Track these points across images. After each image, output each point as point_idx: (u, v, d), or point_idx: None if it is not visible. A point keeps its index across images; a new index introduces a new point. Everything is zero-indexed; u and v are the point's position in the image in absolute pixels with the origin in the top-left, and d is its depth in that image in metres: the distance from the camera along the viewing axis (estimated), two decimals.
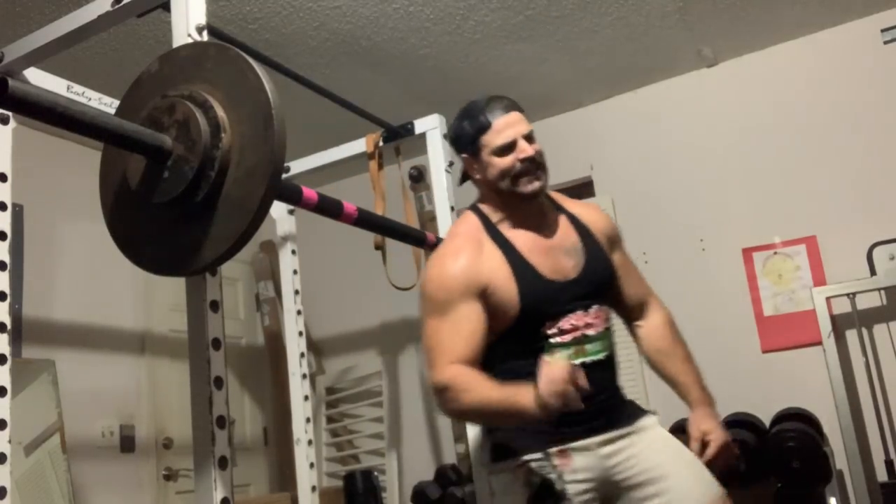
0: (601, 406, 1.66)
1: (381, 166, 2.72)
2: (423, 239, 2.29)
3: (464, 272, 1.64)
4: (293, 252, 2.97)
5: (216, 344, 1.36)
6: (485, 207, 1.77)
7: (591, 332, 1.69)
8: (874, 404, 2.96)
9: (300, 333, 2.89)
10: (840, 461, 2.88)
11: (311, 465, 2.77)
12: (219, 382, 1.34)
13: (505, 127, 1.69)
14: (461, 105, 1.80)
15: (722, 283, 3.33)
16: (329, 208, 1.96)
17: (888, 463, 2.84)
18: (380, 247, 2.57)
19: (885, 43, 3.18)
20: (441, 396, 1.60)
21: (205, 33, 1.53)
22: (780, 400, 3.06)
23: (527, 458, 1.62)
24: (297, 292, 2.92)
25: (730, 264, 3.33)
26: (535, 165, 1.69)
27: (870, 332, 3.06)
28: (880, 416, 2.95)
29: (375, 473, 3.55)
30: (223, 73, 1.31)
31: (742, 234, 3.33)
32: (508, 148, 1.68)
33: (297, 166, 2.93)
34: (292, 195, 1.90)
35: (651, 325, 1.86)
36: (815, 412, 2.97)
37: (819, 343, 2.94)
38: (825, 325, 2.90)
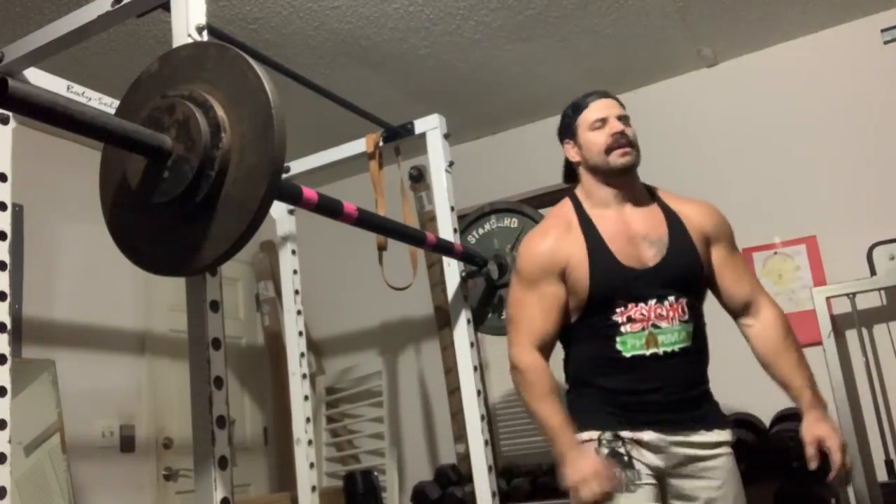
0: (675, 401, 1.69)
1: (381, 166, 2.72)
2: (422, 239, 2.29)
3: (549, 251, 1.77)
4: (293, 252, 2.97)
5: (216, 344, 1.36)
6: (580, 192, 1.88)
7: (662, 323, 1.70)
8: (874, 404, 2.96)
9: (300, 333, 2.89)
10: None
11: (311, 465, 2.77)
12: (219, 382, 1.34)
13: (600, 107, 1.85)
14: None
15: None
16: (329, 208, 1.96)
17: (888, 463, 2.84)
18: (382, 247, 2.57)
19: (886, 43, 3.18)
20: (514, 377, 1.78)
21: (205, 33, 1.53)
22: (780, 400, 3.03)
23: (595, 435, 1.69)
24: (297, 292, 2.92)
25: None
26: (626, 141, 1.80)
27: (870, 332, 3.06)
28: (880, 416, 2.94)
29: (375, 473, 3.55)
30: (223, 73, 1.31)
31: (742, 234, 3.30)
32: (601, 123, 1.82)
33: (297, 166, 2.93)
34: (292, 195, 1.90)
35: (761, 324, 1.85)
36: None
37: (819, 343, 2.94)
38: (825, 325, 2.90)
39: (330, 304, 4.17)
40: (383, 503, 3.62)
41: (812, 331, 3.00)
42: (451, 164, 2.62)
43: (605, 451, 1.66)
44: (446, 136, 2.65)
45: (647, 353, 1.69)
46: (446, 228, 2.56)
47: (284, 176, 2.77)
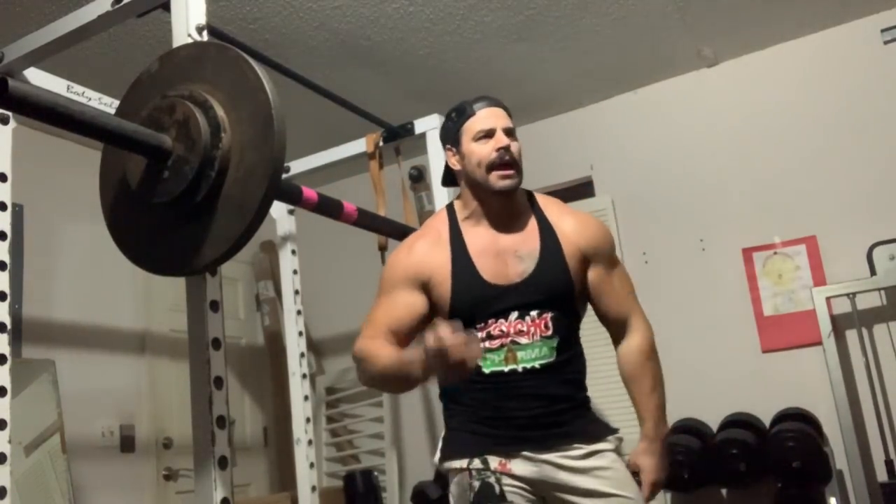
0: (539, 415, 1.64)
1: (381, 166, 2.72)
2: None
3: (411, 261, 1.72)
4: (293, 252, 2.97)
5: (216, 344, 1.36)
6: (457, 204, 1.81)
7: (522, 339, 1.65)
8: (874, 404, 2.96)
9: (300, 333, 2.89)
10: (840, 461, 2.88)
11: (311, 465, 2.77)
12: (219, 382, 1.34)
13: (487, 116, 1.73)
14: None
15: (722, 283, 3.33)
16: (329, 208, 1.96)
17: (888, 463, 2.84)
18: (383, 247, 2.56)
19: (885, 43, 3.18)
20: (357, 366, 1.66)
21: (205, 33, 1.53)
22: (780, 400, 3.06)
23: (464, 463, 1.65)
24: (297, 292, 2.92)
25: (730, 264, 3.33)
26: (510, 161, 1.70)
27: (870, 332, 3.06)
28: (880, 416, 2.94)
29: (375, 473, 3.55)
30: (223, 73, 1.31)
31: (742, 234, 3.33)
32: (487, 135, 1.71)
33: (297, 166, 2.93)
34: (292, 195, 1.90)
35: (625, 348, 1.79)
36: (815, 412, 2.97)
37: (819, 343, 2.94)
38: (825, 325, 2.90)
39: (330, 304, 4.17)
40: (383, 503, 3.62)
41: (812, 331, 3.01)
42: None
43: (477, 483, 1.62)
44: None
45: (506, 369, 1.65)
46: None
47: (284, 176, 2.77)
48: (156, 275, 1.37)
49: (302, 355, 2.86)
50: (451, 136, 1.78)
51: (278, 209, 2.92)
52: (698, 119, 3.52)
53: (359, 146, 2.78)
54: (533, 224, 1.75)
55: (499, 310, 1.66)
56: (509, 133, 1.72)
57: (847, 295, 2.96)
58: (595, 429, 1.70)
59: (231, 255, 1.27)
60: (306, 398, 2.83)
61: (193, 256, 1.28)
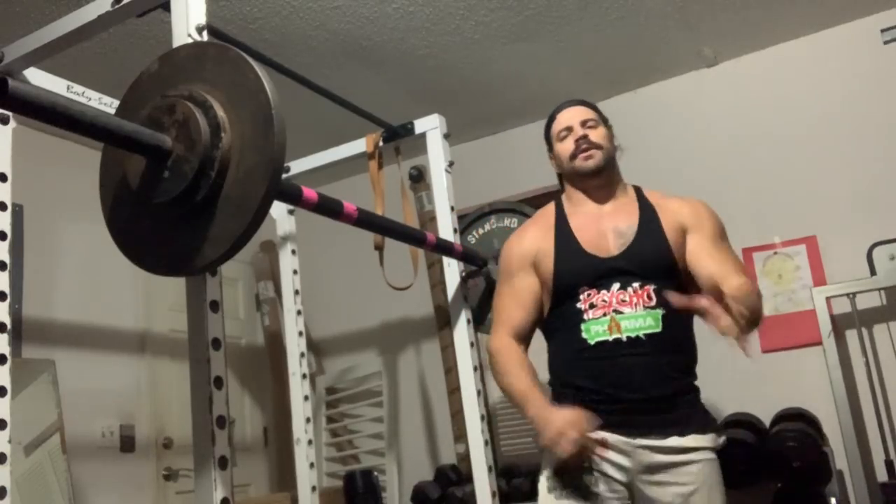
0: (644, 399, 1.65)
1: (381, 166, 2.72)
2: (423, 239, 2.29)
3: (522, 247, 1.86)
4: (293, 252, 2.96)
5: (216, 344, 1.36)
6: (563, 197, 1.94)
7: (625, 308, 1.69)
8: (874, 404, 2.96)
9: (300, 333, 2.89)
10: (840, 461, 2.88)
11: (311, 465, 2.77)
12: (219, 382, 1.34)
13: (565, 117, 1.90)
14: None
15: None
16: (329, 208, 1.95)
17: (888, 463, 2.84)
18: (380, 247, 2.56)
19: (885, 43, 3.18)
20: (490, 363, 1.83)
21: (205, 33, 1.53)
22: (780, 400, 3.06)
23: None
24: (297, 292, 2.92)
25: None
26: (588, 145, 1.83)
27: (870, 332, 3.06)
28: (880, 416, 2.94)
29: (375, 473, 3.55)
30: (223, 73, 1.31)
31: (742, 234, 3.32)
32: (567, 132, 1.87)
33: (297, 166, 2.93)
34: (292, 195, 1.89)
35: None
36: (815, 412, 2.97)
37: (819, 343, 2.94)
38: (825, 325, 2.90)
39: (330, 304, 4.17)
40: (383, 503, 3.62)
41: (812, 331, 3.01)
42: (451, 164, 2.62)
43: (569, 476, 1.66)
44: (446, 136, 2.65)
45: (611, 338, 1.68)
46: (446, 228, 2.56)
47: (284, 176, 2.77)
48: (156, 275, 1.37)
49: (302, 355, 2.86)
50: (548, 144, 1.96)
51: (278, 209, 2.92)
52: (698, 119, 3.52)
53: (359, 146, 2.77)
54: (634, 204, 1.86)
55: (600, 280, 1.72)
56: (587, 123, 1.86)
57: (847, 295, 2.96)
58: (703, 420, 1.70)
59: (231, 255, 1.27)
60: (306, 398, 2.83)
61: (193, 256, 1.28)
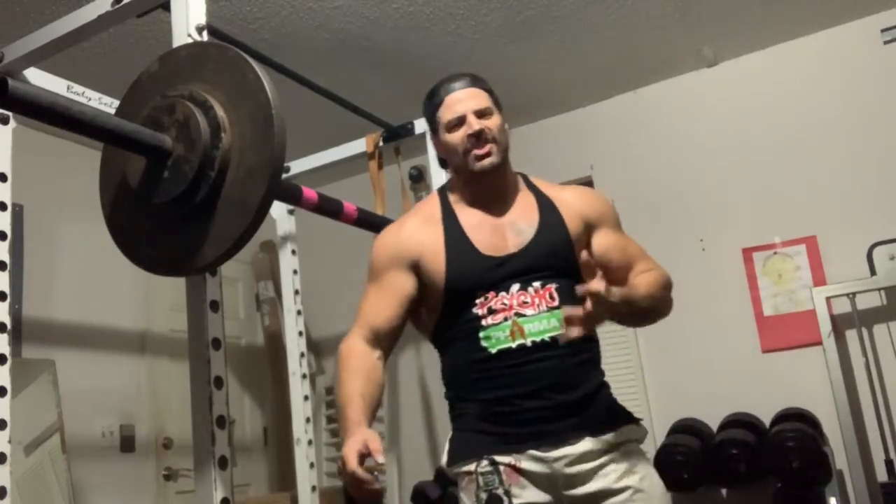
0: (555, 405, 1.51)
1: (381, 166, 2.72)
2: None
3: (398, 242, 1.65)
4: (293, 252, 2.97)
5: (216, 344, 1.36)
6: (448, 187, 1.74)
7: (527, 310, 1.52)
8: (874, 404, 2.96)
9: (300, 333, 2.89)
10: (840, 461, 2.88)
11: (311, 465, 2.77)
12: (219, 382, 1.35)
13: (455, 102, 1.63)
14: None
15: (722, 283, 3.33)
16: (329, 208, 1.96)
17: (888, 463, 2.84)
18: None
19: (885, 43, 3.18)
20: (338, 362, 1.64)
21: (205, 33, 1.53)
22: (780, 400, 3.06)
23: (472, 467, 1.52)
24: (297, 292, 2.92)
25: (730, 264, 3.33)
26: (484, 141, 1.61)
27: (870, 332, 3.06)
28: (880, 416, 2.94)
29: (375, 473, 3.54)
30: (223, 73, 1.31)
31: (742, 234, 3.33)
32: (458, 123, 1.62)
33: (297, 166, 2.93)
34: (292, 195, 1.90)
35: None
36: (815, 412, 2.97)
37: (819, 343, 2.94)
38: (825, 325, 2.90)
39: (330, 304, 4.16)
40: (383, 503, 3.62)
41: (812, 331, 3.01)
42: None
43: (484, 495, 1.49)
44: None
45: (514, 345, 1.51)
46: None
47: (284, 176, 2.77)
48: (156, 275, 1.37)
49: (302, 355, 2.86)
50: (430, 125, 1.71)
51: (278, 209, 2.92)
52: (698, 119, 3.52)
53: (359, 146, 2.78)
54: (530, 199, 1.67)
55: (498, 281, 1.54)
56: (482, 114, 1.62)
57: (847, 295, 2.96)
58: (614, 414, 1.56)
59: (231, 255, 1.27)
60: (306, 398, 2.83)
61: (193, 256, 1.28)
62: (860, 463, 2.77)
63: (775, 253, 3.27)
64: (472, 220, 1.63)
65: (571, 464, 1.48)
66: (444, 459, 1.63)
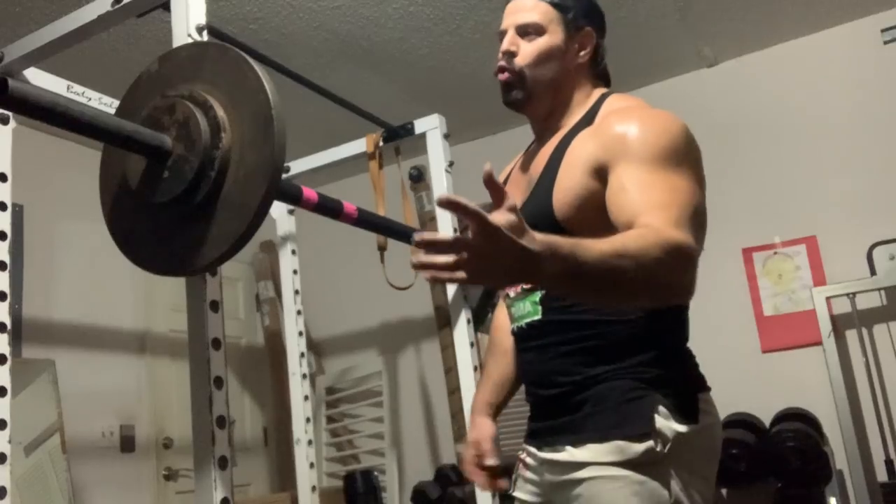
0: (539, 400, 1.31)
1: (381, 166, 2.72)
2: None
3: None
4: (293, 252, 2.96)
5: (216, 344, 1.36)
6: None
7: (511, 291, 1.32)
8: (874, 404, 2.96)
9: (300, 333, 2.89)
10: (840, 461, 2.88)
11: (311, 465, 2.77)
12: (219, 382, 1.34)
13: (507, 13, 1.38)
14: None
15: (722, 283, 3.32)
16: (329, 208, 1.96)
17: (888, 463, 2.84)
18: (383, 247, 2.57)
19: (885, 43, 3.18)
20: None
21: (205, 33, 1.53)
22: (780, 400, 3.07)
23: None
24: (297, 292, 2.92)
25: (730, 264, 3.33)
26: (501, 69, 1.33)
27: (870, 332, 3.06)
28: (880, 416, 2.94)
29: (375, 473, 3.55)
30: (223, 73, 1.31)
31: (742, 234, 3.33)
32: (500, 39, 1.37)
33: (297, 166, 2.93)
34: (292, 195, 1.90)
35: None
36: (815, 412, 2.97)
37: (819, 343, 2.94)
38: (825, 325, 2.90)
39: (330, 304, 4.17)
40: (383, 503, 3.62)
41: (812, 331, 3.01)
42: (451, 164, 2.62)
43: (514, 476, 1.39)
44: (446, 136, 2.65)
45: (515, 327, 1.34)
46: (446, 228, 2.56)
47: (284, 176, 2.77)
48: (156, 275, 1.37)
49: (302, 355, 2.86)
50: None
51: (278, 209, 2.92)
52: (698, 119, 3.49)
53: (359, 146, 2.78)
54: (557, 143, 1.31)
55: None
56: (525, 31, 1.32)
57: (847, 295, 2.96)
58: (603, 424, 1.18)
59: (231, 255, 1.27)
60: (306, 398, 2.83)
61: (193, 256, 1.28)
62: (860, 463, 2.77)
63: (775, 253, 3.27)
64: (518, 164, 1.45)
65: (554, 472, 1.24)
66: None
